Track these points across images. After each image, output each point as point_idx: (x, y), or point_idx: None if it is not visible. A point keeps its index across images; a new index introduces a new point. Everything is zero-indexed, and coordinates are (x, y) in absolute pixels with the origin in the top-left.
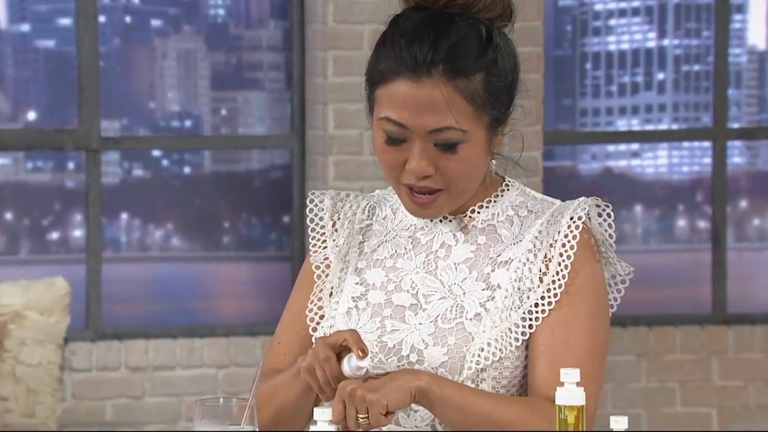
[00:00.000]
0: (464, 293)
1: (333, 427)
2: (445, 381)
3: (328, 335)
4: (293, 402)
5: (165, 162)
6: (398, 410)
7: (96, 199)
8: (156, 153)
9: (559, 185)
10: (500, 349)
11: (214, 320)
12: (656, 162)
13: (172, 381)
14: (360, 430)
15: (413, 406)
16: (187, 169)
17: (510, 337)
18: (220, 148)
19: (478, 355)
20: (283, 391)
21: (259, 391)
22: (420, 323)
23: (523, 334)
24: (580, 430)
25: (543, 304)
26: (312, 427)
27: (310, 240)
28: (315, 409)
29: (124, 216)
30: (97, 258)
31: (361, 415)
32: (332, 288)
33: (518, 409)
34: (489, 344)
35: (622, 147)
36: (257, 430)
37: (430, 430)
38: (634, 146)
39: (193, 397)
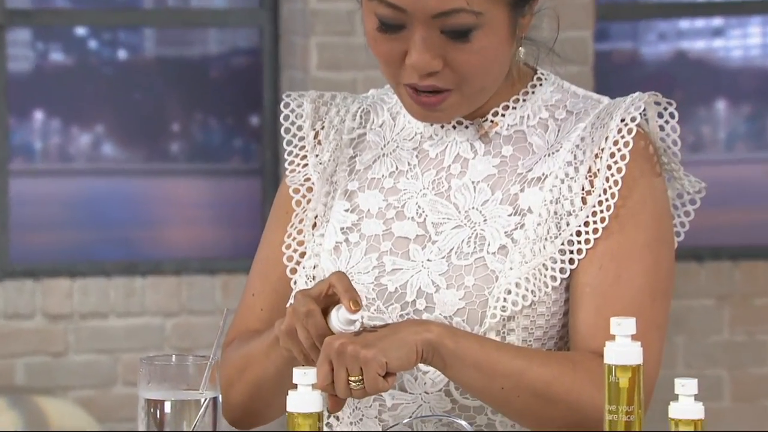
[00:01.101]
0: (485, 220)
1: (317, 396)
2: (461, 333)
3: (309, 285)
4: (273, 377)
5: (92, 43)
6: (401, 371)
7: (0, 91)
8: (80, 31)
9: (615, 76)
10: (532, 291)
11: (160, 253)
12: (746, 42)
13: (105, 333)
14: (352, 396)
15: (421, 366)
16: (122, 54)
17: (545, 276)
18: (166, 26)
19: (504, 300)
20: (259, 363)
21: (229, 357)
22: (429, 260)
23: (561, 271)
24: (637, 395)
25: (587, 232)
26: (291, 394)
27: (286, 156)
28: (295, 371)
29: (38, 115)
30: (2, 171)
31: (353, 378)
32: (316, 217)
33: (556, 367)
34: (518, 285)
35: (700, 23)
36: (220, 395)
37: (443, 398)
38: (717, 21)
39: (131, 355)
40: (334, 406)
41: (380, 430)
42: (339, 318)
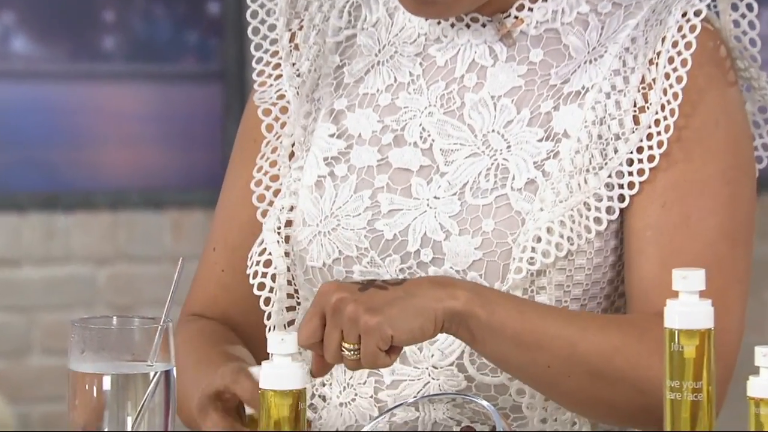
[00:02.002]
0: (509, 147)
1: (299, 369)
2: (494, 298)
3: (282, 233)
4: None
5: None
6: (411, 345)
7: None
8: None
9: None
10: (569, 238)
11: (90, 182)
12: None
13: (16, 286)
14: (341, 363)
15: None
16: None
17: (586, 218)
18: None
19: (533, 249)
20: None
21: (180, 341)
22: (436, 197)
23: (608, 211)
24: (707, 368)
25: (641, 161)
26: (265, 365)
27: (254, 65)
28: (270, 336)
29: None
30: None
31: (347, 345)
32: (293, 145)
33: (617, 336)
34: (550, 230)
35: None
36: (174, 368)
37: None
38: None
39: (53, 315)
40: (318, 370)
41: (377, 414)
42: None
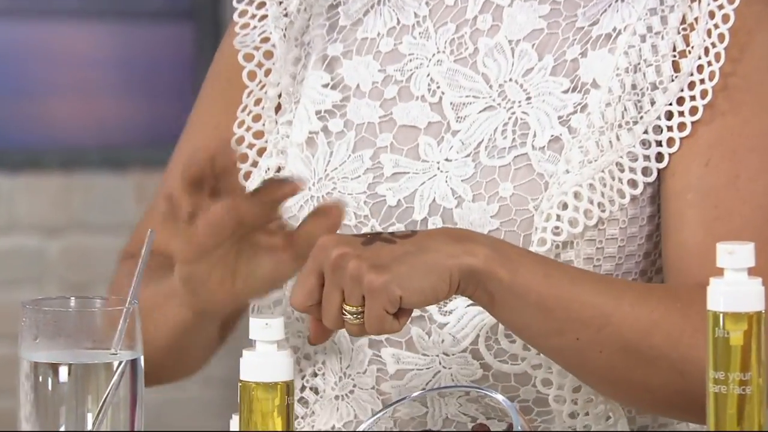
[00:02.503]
0: (528, 99)
1: (286, 359)
2: (518, 256)
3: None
4: (188, 329)
5: None
6: (422, 308)
7: None
8: None
9: None
10: (600, 204)
11: (39, 139)
12: None
13: None
14: (342, 329)
15: (436, 316)
16: None
17: (619, 180)
18: None
19: (558, 218)
20: (168, 309)
21: (118, 282)
22: (447, 159)
23: (645, 172)
24: (756, 357)
25: (682, 114)
26: (246, 354)
27: (234, 3)
28: (253, 320)
29: None
30: None
31: (349, 308)
32: (279, 96)
33: (658, 308)
34: (578, 195)
35: None
36: (141, 356)
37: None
38: None
39: None
40: (316, 336)
41: (379, 407)
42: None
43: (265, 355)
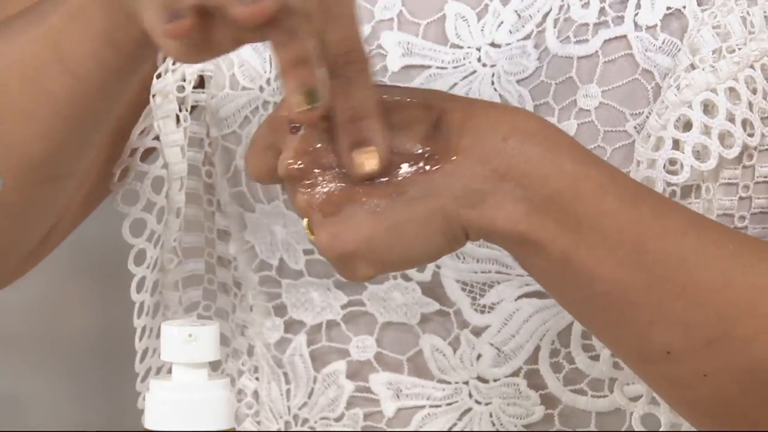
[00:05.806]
0: None
1: (222, 383)
2: (582, 209)
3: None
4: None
5: None
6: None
7: None
8: None
9: None
10: (747, 123)
11: None
12: None
13: None
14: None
15: (467, 317)
16: None
17: None
18: None
19: (675, 144)
20: (52, 68)
21: None
22: (493, 43)
23: None
24: None
25: None
26: (155, 386)
27: None
28: (165, 328)
29: None
30: None
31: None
32: None
33: None
34: (710, 106)
35: None
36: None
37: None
38: None
39: None
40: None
41: None
42: None
43: (188, 389)
